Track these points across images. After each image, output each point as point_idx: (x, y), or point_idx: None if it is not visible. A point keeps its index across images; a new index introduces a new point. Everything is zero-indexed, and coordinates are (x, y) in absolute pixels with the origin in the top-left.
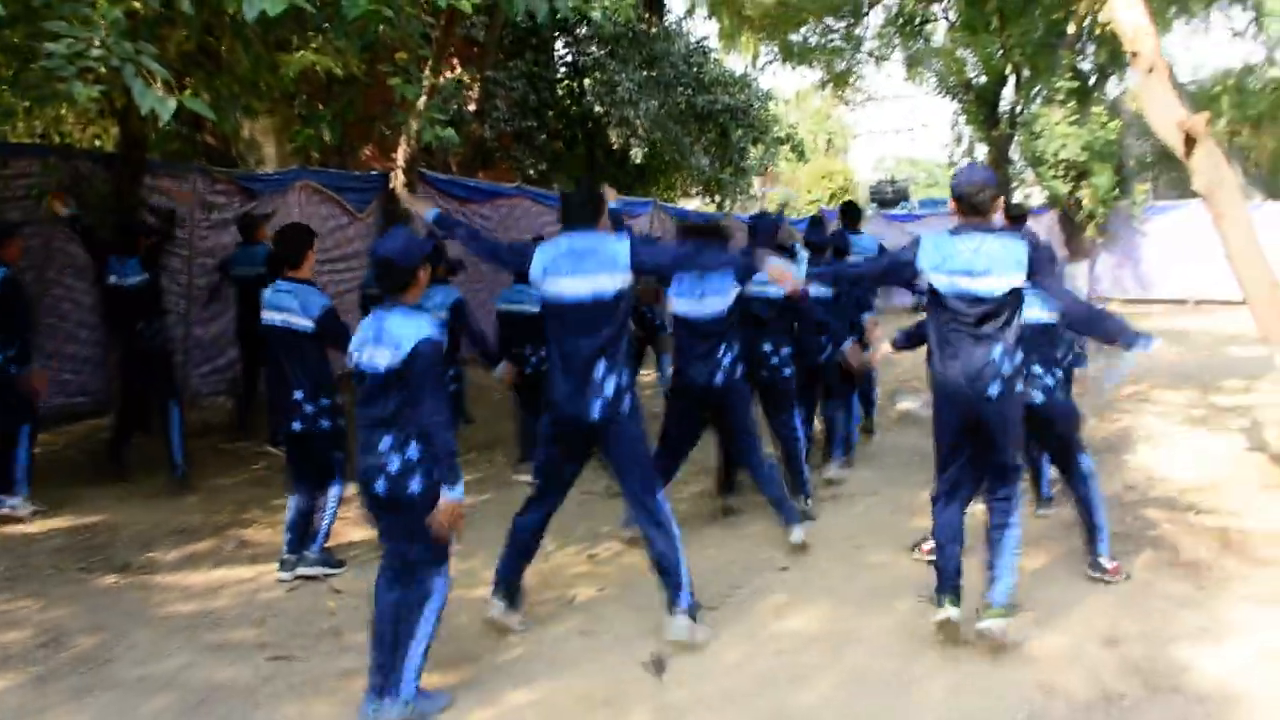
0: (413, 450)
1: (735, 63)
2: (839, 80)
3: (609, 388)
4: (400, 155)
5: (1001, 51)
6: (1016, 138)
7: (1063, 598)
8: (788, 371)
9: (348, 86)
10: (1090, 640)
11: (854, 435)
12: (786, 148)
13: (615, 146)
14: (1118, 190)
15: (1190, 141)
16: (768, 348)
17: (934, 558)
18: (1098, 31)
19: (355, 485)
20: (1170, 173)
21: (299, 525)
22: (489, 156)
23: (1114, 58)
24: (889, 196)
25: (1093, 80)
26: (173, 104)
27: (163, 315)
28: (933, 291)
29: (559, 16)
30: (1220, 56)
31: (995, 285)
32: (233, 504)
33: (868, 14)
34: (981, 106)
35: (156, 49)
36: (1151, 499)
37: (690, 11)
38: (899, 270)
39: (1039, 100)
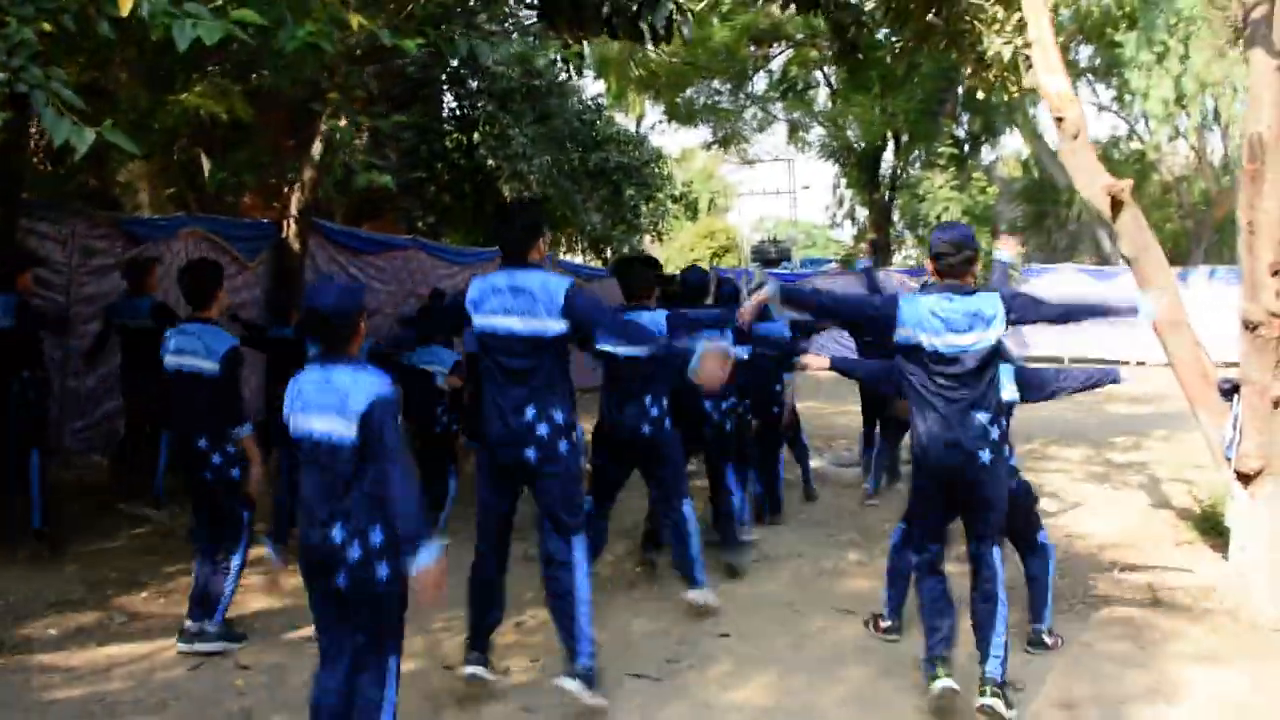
0: (377, 535)
1: (627, 121)
2: (725, 141)
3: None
4: (293, 203)
5: (881, 118)
6: (896, 201)
7: (1011, 663)
8: (729, 426)
9: (233, 131)
10: (1048, 707)
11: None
12: (679, 206)
13: (507, 201)
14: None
15: (1116, 205)
16: (708, 404)
17: (894, 638)
18: (981, 97)
19: (284, 559)
20: (1039, 237)
21: (203, 591)
22: (377, 208)
23: (987, 127)
24: (772, 256)
25: (967, 148)
26: (90, 135)
27: (41, 363)
28: (911, 351)
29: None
30: (1093, 128)
31: (978, 340)
32: (117, 571)
33: (752, 78)
34: (862, 170)
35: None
36: (1074, 556)
37: (579, 70)
38: (876, 318)
39: (918, 165)
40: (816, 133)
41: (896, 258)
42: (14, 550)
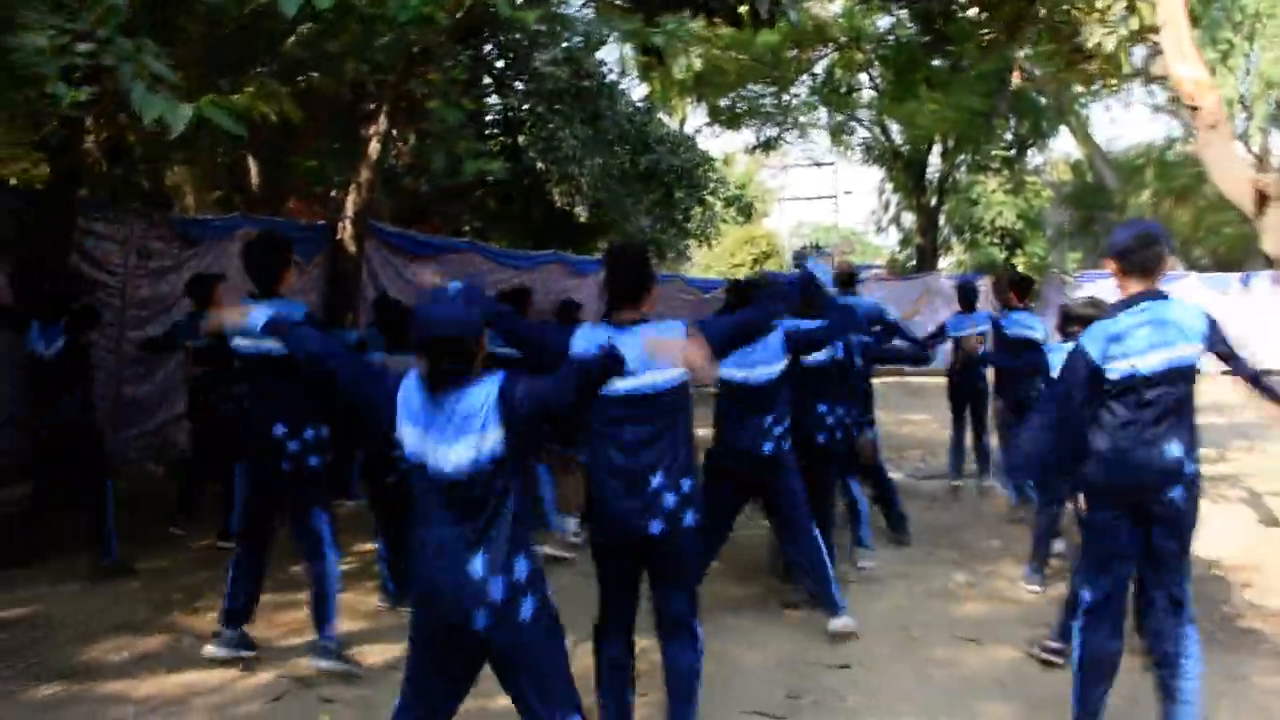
0: (521, 567)
1: (670, 124)
2: (769, 145)
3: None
4: (349, 205)
5: (930, 120)
6: (944, 205)
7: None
8: (840, 435)
9: (277, 134)
10: None
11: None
12: (732, 209)
13: (558, 205)
14: (1051, 258)
15: (1262, 200)
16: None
17: (1057, 659)
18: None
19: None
20: (1086, 242)
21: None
22: (423, 212)
23: (1036, 129)
24: None
25: (1013, 151)
26: (187, 111)
27: (87, 385)
28: (1102, 385)
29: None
30: (1141, 130)
31: (1183, 355)
32: (179, 591)
33: (795, 81)
34: (909, 174)
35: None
36: (1199, 579)
37: (623, 72)
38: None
39: (963, 168)
40: (860, 136)
41: (942, 263)
42: (69, 568)
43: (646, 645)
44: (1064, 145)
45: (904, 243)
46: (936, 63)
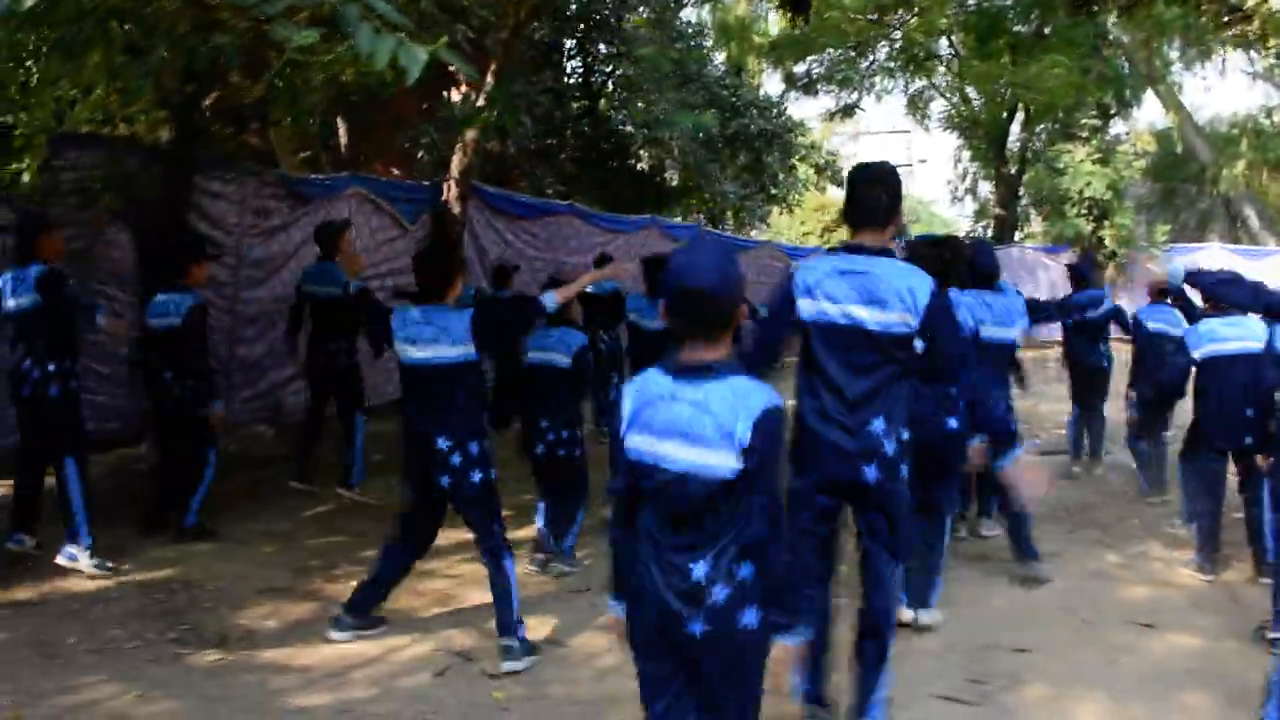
0: (745, 569)
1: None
2: (846, 111)
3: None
4: (455, 165)
5: (1013, 87)
6: (1025, 175)
7: None
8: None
9: (363, 95)
10: None
11: None
12: (824, 175)
13: (646, 168)
14: (1141, 230)
15: None
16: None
17: None
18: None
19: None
20: (1166, 215)
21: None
22: (505, 174)
23: (1119, 97)
24: None
25: (1101, 119)
26: (423, 55)
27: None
28: None
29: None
30: (1237, 100)
31: None
32: (313, 555)
33: (874, 47)
34: (989, 143)
35: None
36: None
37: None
38: None
39: (1043, 136)
40: (938, 104)
41: (1017, 235)
42: (207, 530)
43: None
44: (1147, 114)
45: (979, 214)
46: (1019, 28)
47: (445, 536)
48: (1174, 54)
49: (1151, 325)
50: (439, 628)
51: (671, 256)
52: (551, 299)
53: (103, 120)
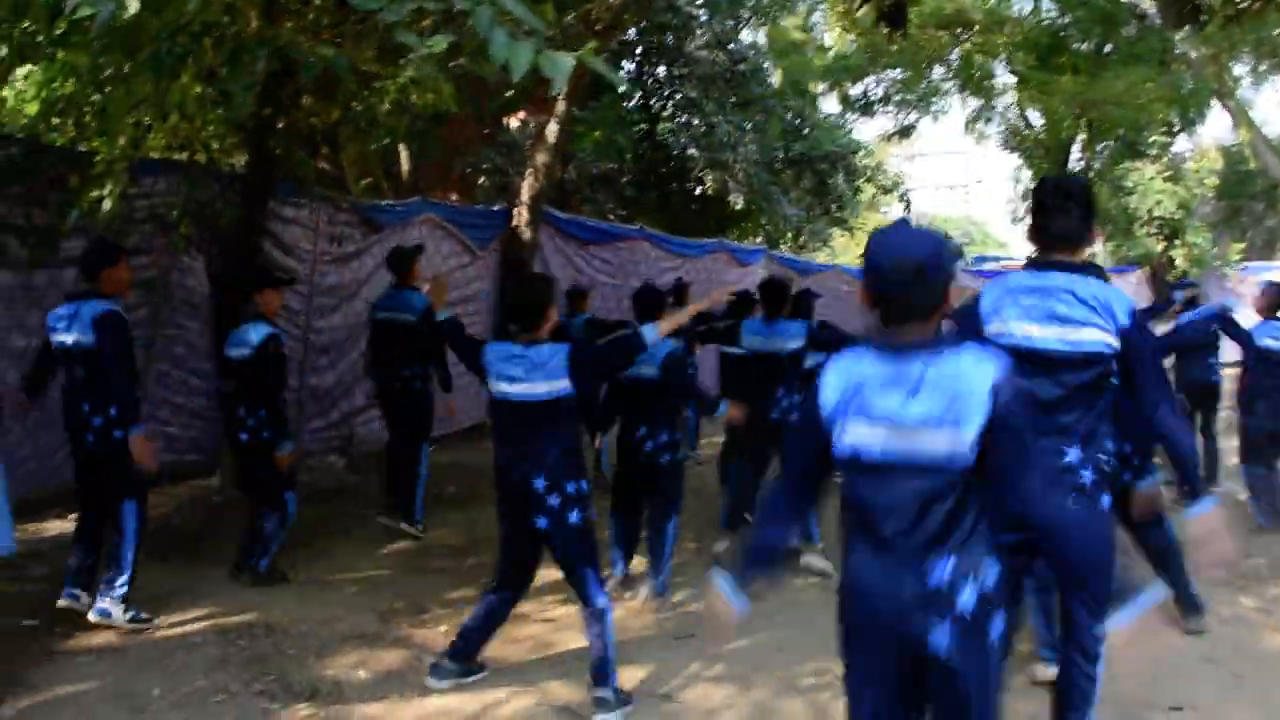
0: (993, 572)
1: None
2: (904, 133)
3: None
4: (525, 190)
5: (1072, 107)
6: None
7: None
8: None
9: (424, 120)
10: None
11: None
12: (890, 196)
13: (710, 191)
14: (1215, 249)
15: None
16: None
17: None
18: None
19: None
20: (1232, 233)
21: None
22: (565, 199)
23: (1184, 114)
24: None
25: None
26: (569, 62)
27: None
28: None
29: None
30: None
31: None
32: (398, 597)
33: (930, 68)
34: (1052, 161)
35: None
36: None
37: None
38: None
39: (1104, 154)
40: (997, 125)
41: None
42: (281, 576)
43: None
44: (1210, 131)
45: None
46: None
47: (538, 577)
48: (1242, 69)
49: (1269, 343)
50: (538, 678)
51: (876, 235)
52: (652, 333)
53: (180, 147)
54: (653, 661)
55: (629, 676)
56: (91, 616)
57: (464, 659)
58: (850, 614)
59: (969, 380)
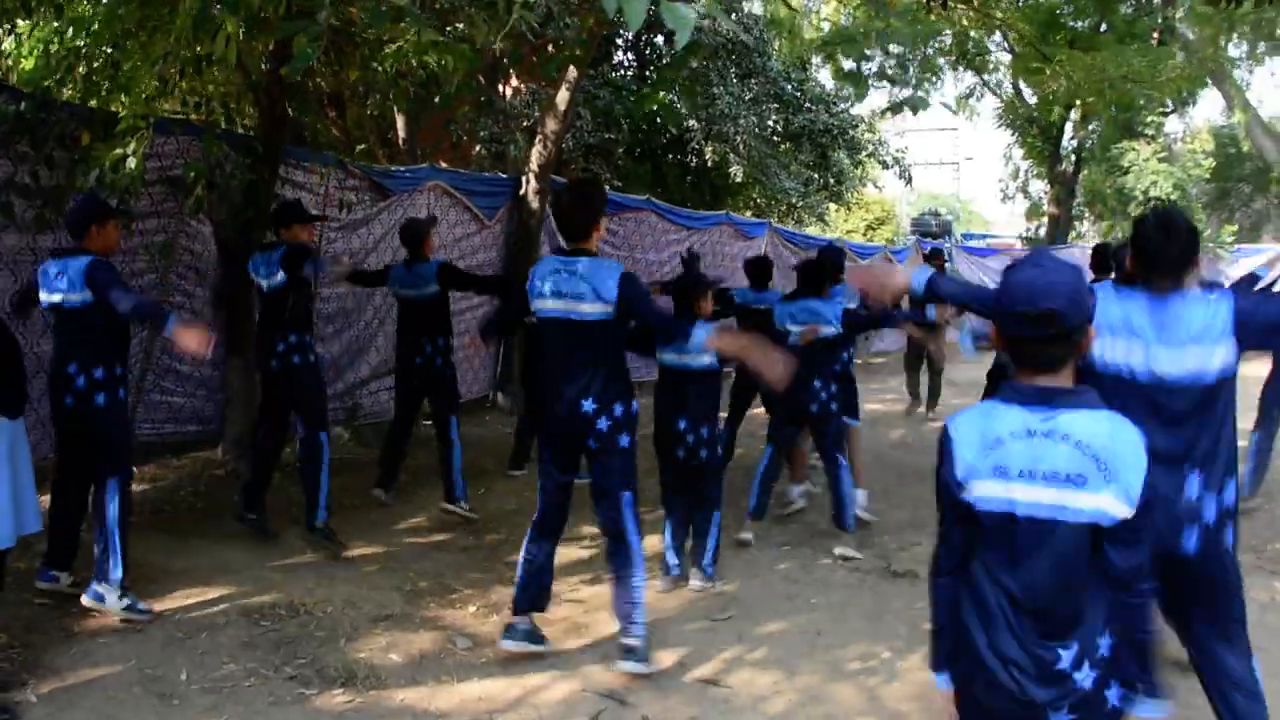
0: (1106, 641)
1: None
2: (910, 107)
3: None
4: (534, 158)
5: (1069, 84)
6: (1081, 173)
7: None
8: None
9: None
10: None
11: None
12: (892, 171)
13: (710, 163)
14: (1207, 231)
15: None
16: None
17: None
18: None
19: None
20: (1221, 215)
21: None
22: (562, 169)
23: (1178, 94)
24: (933, 229)
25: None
26: (692, 15)
27: (306, 329)
28: None
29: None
30: None
31: None
32: (421, 576)
33: (925, 44)
34: (1045, 140)
35: None
36: None
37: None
38: None
39: (1096, 135)
40: (991, 102)
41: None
42: (295, 543)
43: None
44: (1202, 112)
45: (1031, 212)
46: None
47: (561, 555)
48: (1239, 51)
49: None
50: (579, 663)
51: (1011, 272)
52: (702, 337)
53: (196, 105)
54: (689, 644)
55: (667, 659)
56: (85, 600)
57: (535, 606)
58: (976, 685)
59: (1115, 439)
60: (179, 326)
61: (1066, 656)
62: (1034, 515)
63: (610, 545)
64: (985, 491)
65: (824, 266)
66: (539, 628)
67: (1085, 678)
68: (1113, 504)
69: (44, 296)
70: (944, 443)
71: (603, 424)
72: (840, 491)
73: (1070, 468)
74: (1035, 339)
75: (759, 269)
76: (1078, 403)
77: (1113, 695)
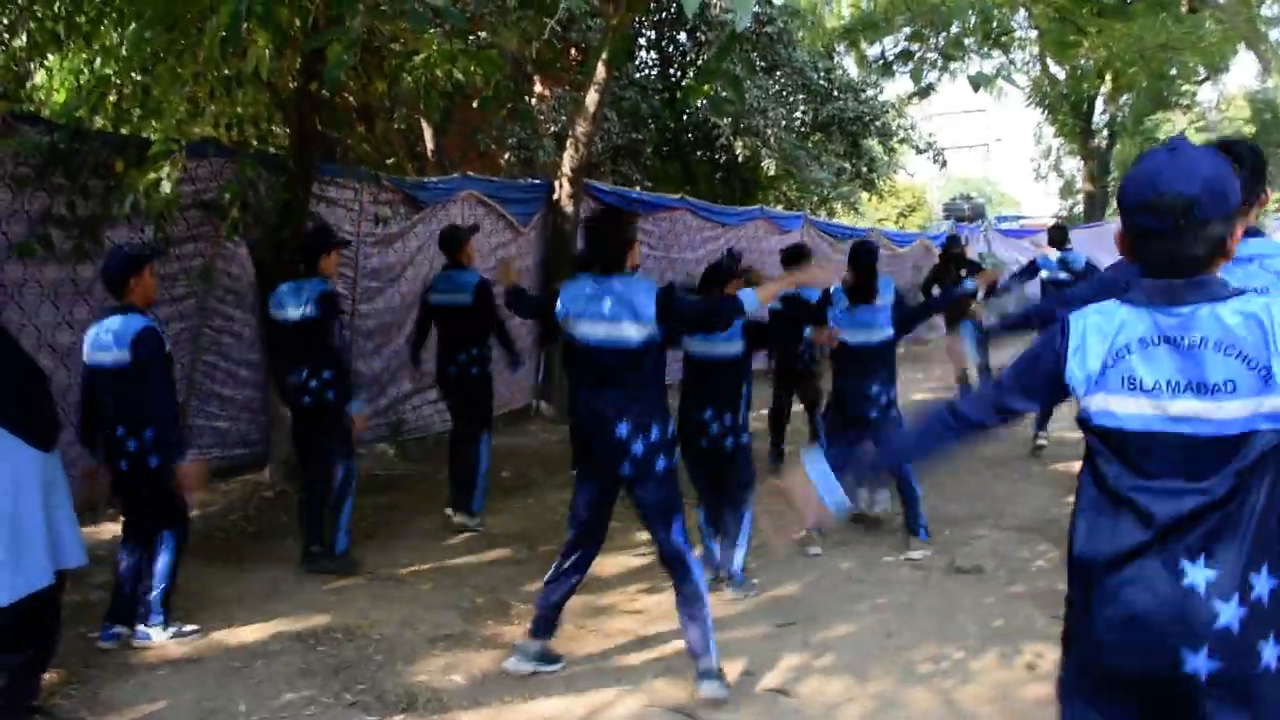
0: (1265, 580)
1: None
2: (923, 94)
3: None
4: (566, 163)
5: (1103, 56)
6: (1115, 148)
7: None
8: None
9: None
10: None
11: None
12: (925, 155)
13: (741, 157)
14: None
15: None
16: None
17: None
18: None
19: None
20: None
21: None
22: (591, 171)
23: (1209, 61)
24: (965, 214)
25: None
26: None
27: (332, 359)
28: None
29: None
30: None
31: None
32: (477, 593)
33: (949, 26)
34: (1076, 115)
35: None
36: None
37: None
38: None
39: (1127, 108)
40: (1020, 80)
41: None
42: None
43: None
44: (1237, 79)
45: (1065, 190)
46: None
47: (615, 564)
48: (1272, 11)
49: None
50: (641, 676)
51: (1141, 159)
52: (752, 299)
53: (228, 127)
54: (754, 652)
55: (733, 669)
56: (135, 643)
57: (546, 632)
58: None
59: (1268, 328)
60: (184, 466)
61: (1197, 575)
62: (1177, 428)
63: (668, 570)
64: (1111, 405)
65: (867, 274)
66: (551, 649)
67: (1233, 613)
68: (1265, 407)
69: (93, 359)
70: (1061, 335)
71: (638, 448)
72: (911, 496)
73: (1216, 373)
74: (1163, 233)
75: (795, 257)
76: (1221, 295)
77: (1270, 652)
